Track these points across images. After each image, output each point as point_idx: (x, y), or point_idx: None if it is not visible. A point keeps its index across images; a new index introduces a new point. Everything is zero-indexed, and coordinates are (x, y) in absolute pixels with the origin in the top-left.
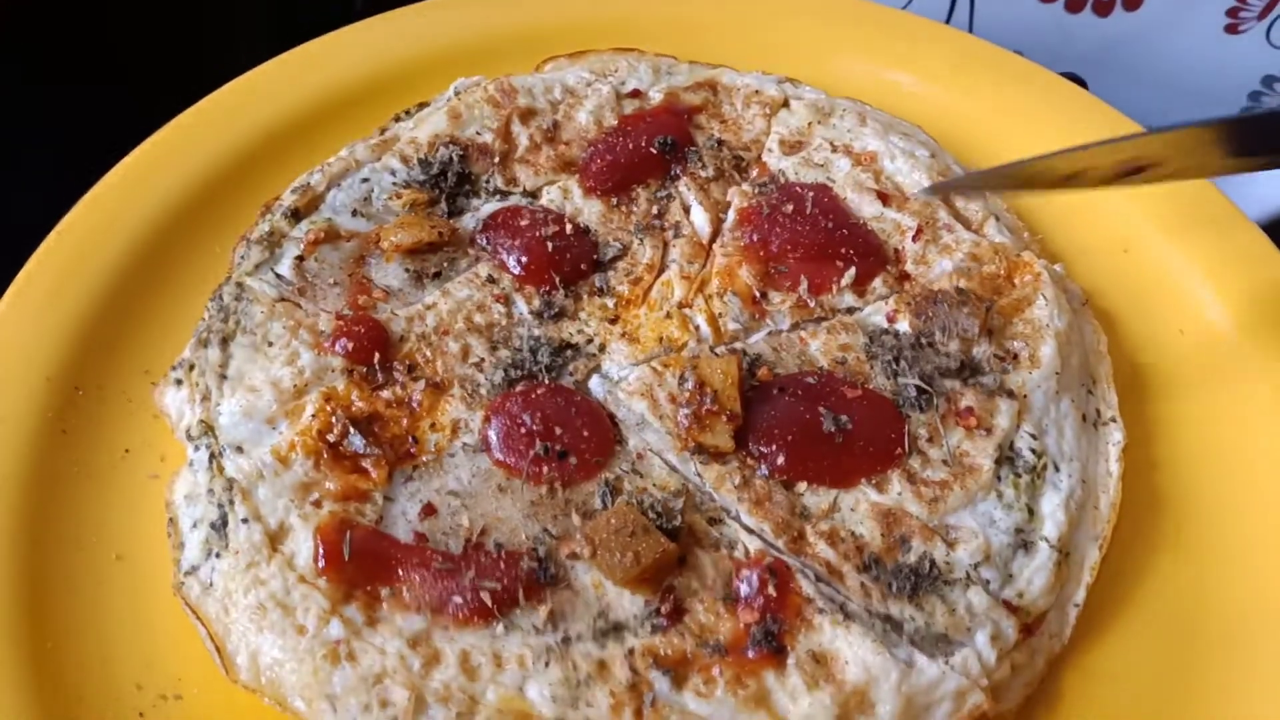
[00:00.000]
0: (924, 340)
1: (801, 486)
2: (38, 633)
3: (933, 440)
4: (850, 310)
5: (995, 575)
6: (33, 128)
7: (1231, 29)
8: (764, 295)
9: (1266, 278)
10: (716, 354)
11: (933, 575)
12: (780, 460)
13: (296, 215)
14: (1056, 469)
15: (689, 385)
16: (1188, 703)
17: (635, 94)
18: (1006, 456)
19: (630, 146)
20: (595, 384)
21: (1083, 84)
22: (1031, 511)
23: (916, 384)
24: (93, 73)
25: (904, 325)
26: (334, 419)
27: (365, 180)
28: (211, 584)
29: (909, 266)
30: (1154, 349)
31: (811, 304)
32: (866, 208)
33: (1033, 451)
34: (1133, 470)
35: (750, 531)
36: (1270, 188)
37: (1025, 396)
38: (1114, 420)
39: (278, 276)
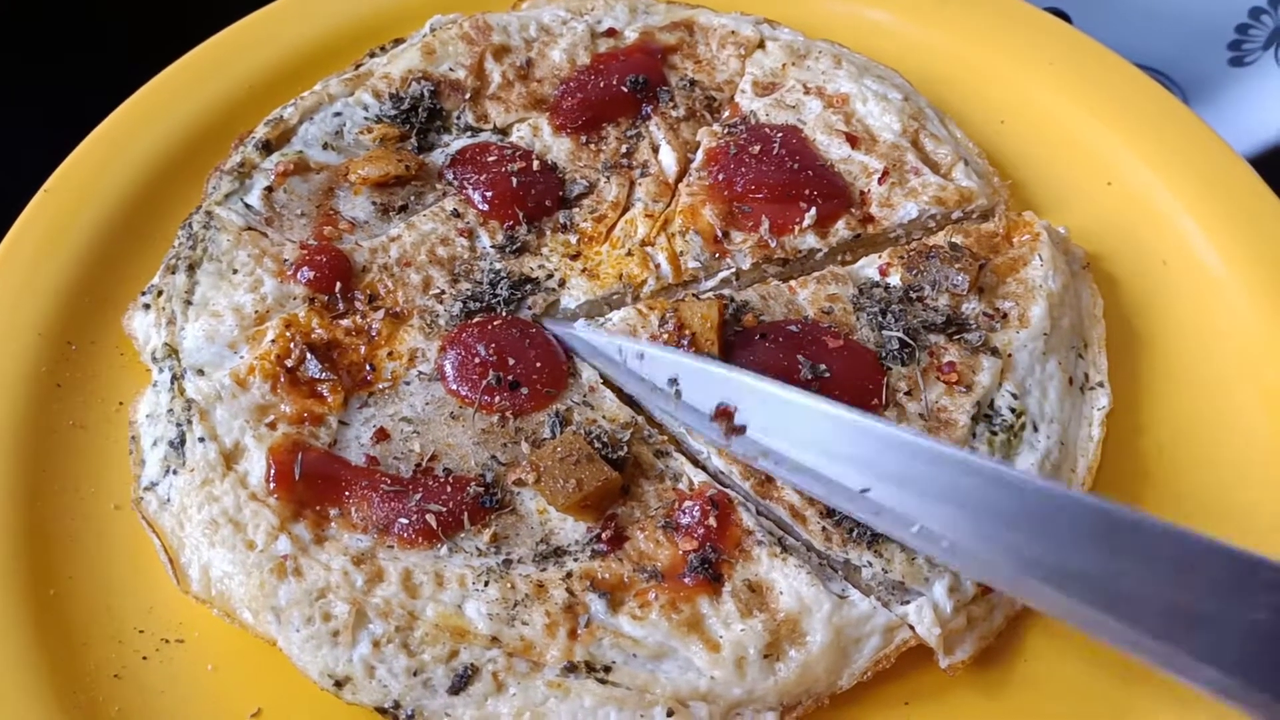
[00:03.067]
0: (913, 294)
1: None
2: (41, 581)
3: (912, 394)
4: (812, 251)
5: None
6: (20, 93)
7: None
8: (726, 235)
9: (1250, 208)
10: (701, 298)
11: None
12: None
13: (268, 147)
14: (1035, 429)
15: (669, 327)
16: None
17: (611, 33)
18: (985, 414)
19: (602, 85)
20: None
21: (1067, 19)
22: None
23: (900, 336)
24: (76, 40)
25: (895, 278)
26: (293, 345)
27: (337, 114)
28: (168, 500)
29: (874, 209)
30: (1144, 280)
31: (772, 244)
32: (835, 150)
33: (1012, 410)
34: (1117, 434)
35: (701, 467)
36: (1259, 119)
37: (1010, 355)
38: (1101, 385)
39: (246, 206)
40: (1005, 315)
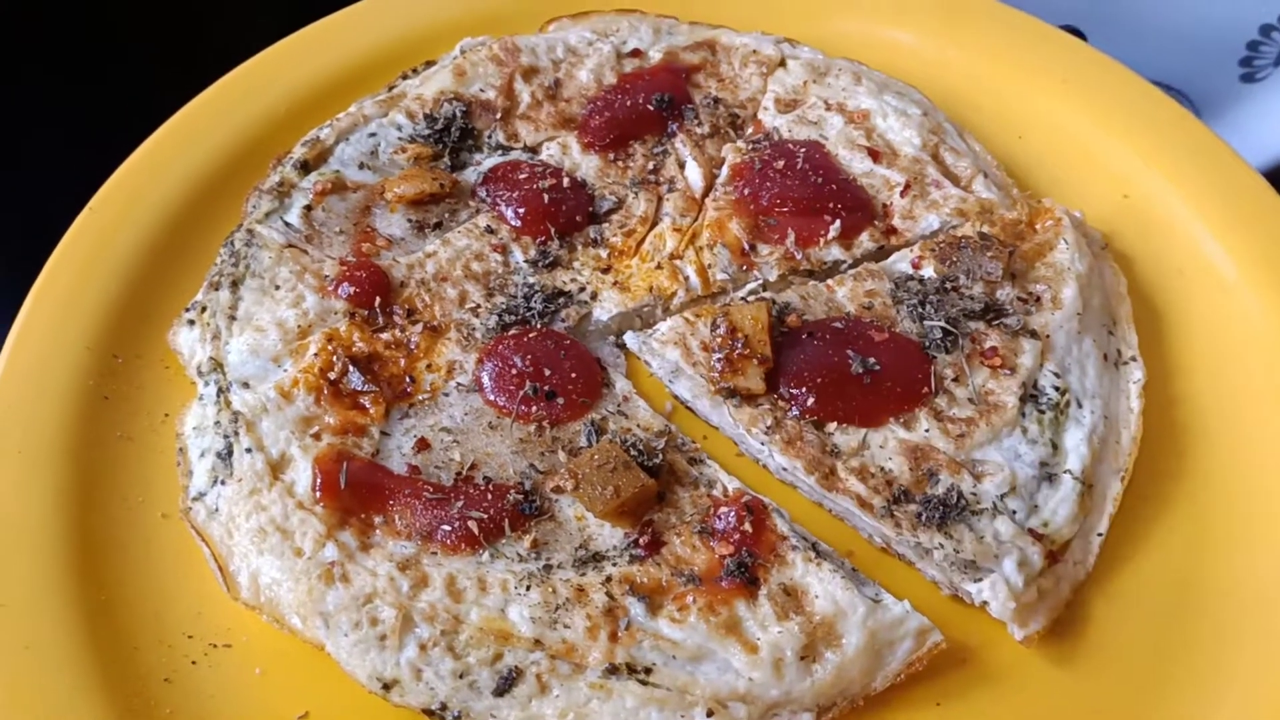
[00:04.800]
0: (949, 284)
1: (831, 426)
2: (91, 587)
3: (959, 380)
4: (837, 263)
5: (1021, 506)
6: (60, 116)
7: None
8: (753, 248)
9: (1264, 218)
10: (747, 302)
11: (960, 506)
12: (810, 401)
13: (306, 167)
14: (1080, 405)
15: (721, 331)
16: (1207, 625)
17: (636, 53)
18: (1031, 394)
19: (629, 104)
20: (630, 339)
21: (1082, 37)
22: (1055, 446)
23: (942, 326)
24: (97, 64)
25: (929, 270)
26: (335, 358)
27: (372, 135)
28: (216, 509)
29: (896, 221)
30: (1161, 289)
31: (798, 256)
32: (857, 164)
33: (1056, 389)
34: (1153, 406)
35: (737, 467)
36: (1270, 134)
37: (1048, 337)
38: (1134, 359)
39: (286, 224)
40: (1039, 299)
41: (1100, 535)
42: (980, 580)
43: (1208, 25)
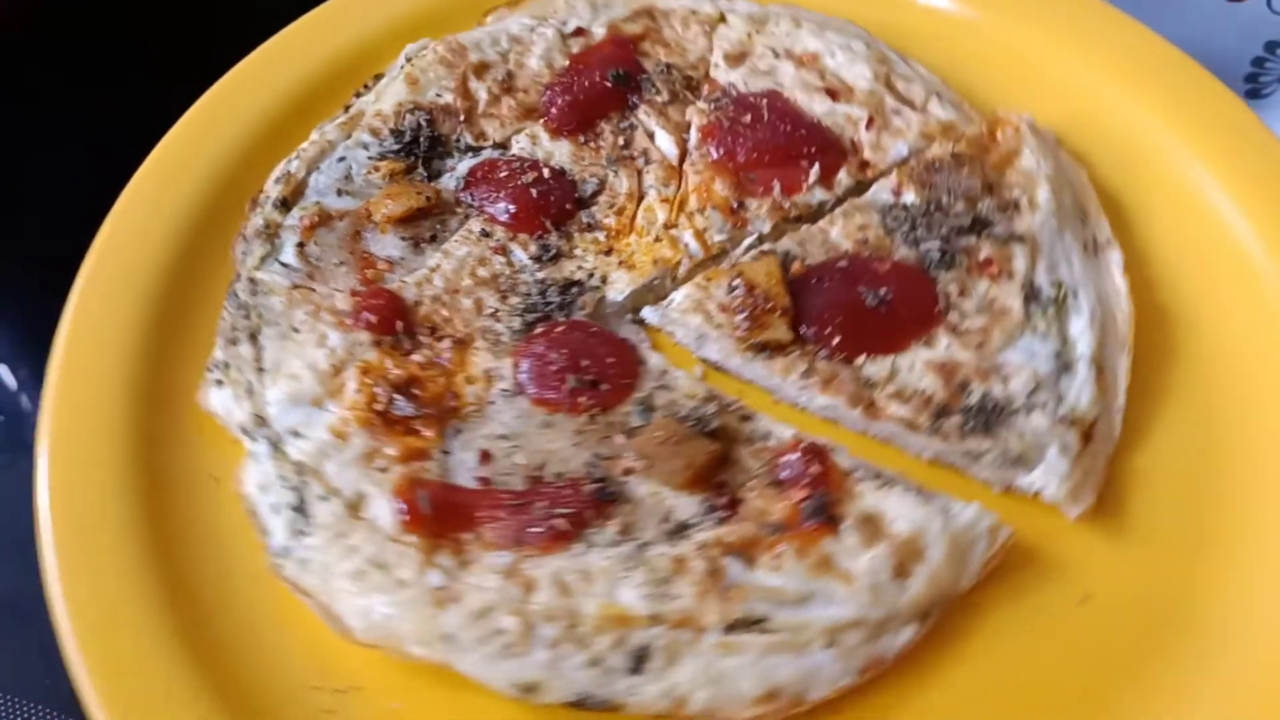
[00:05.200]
0: (932, 206)
1: (860, 360)
2: (207, 666)
3: (964, 293)
4: (822, 204)
5: (1049, 398)
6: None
7: None
8: (741, 204)
9: (1207, 100)
10: (752, 259)
11: (998, 409)
12: (836, 340)
13: (286, 204)
14: (1075, 296)
15: (739, 291)
16: (1231, 484)
17: (579, 32)
18: (1031, 295)
19: (586, 84)
20: (649, 314)
21: None
22: (1064, 337)
23: (937, 245)
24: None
25: (910, 196)
26: (377, 389)
27: (341, 159)
28: (306, 560)
29: (867, 154)
30: (1116, 180)
31: (786, 205)
32: (818, 105)
33: (1052, 285)
34: (1136, 288)
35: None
36: None
37: (1034, 238)
38: (1110, 242)
39: (284, 266)
40: (1016, 204)
41: (1120, 409)
42: (1032, 472)
43: (1212, 43)
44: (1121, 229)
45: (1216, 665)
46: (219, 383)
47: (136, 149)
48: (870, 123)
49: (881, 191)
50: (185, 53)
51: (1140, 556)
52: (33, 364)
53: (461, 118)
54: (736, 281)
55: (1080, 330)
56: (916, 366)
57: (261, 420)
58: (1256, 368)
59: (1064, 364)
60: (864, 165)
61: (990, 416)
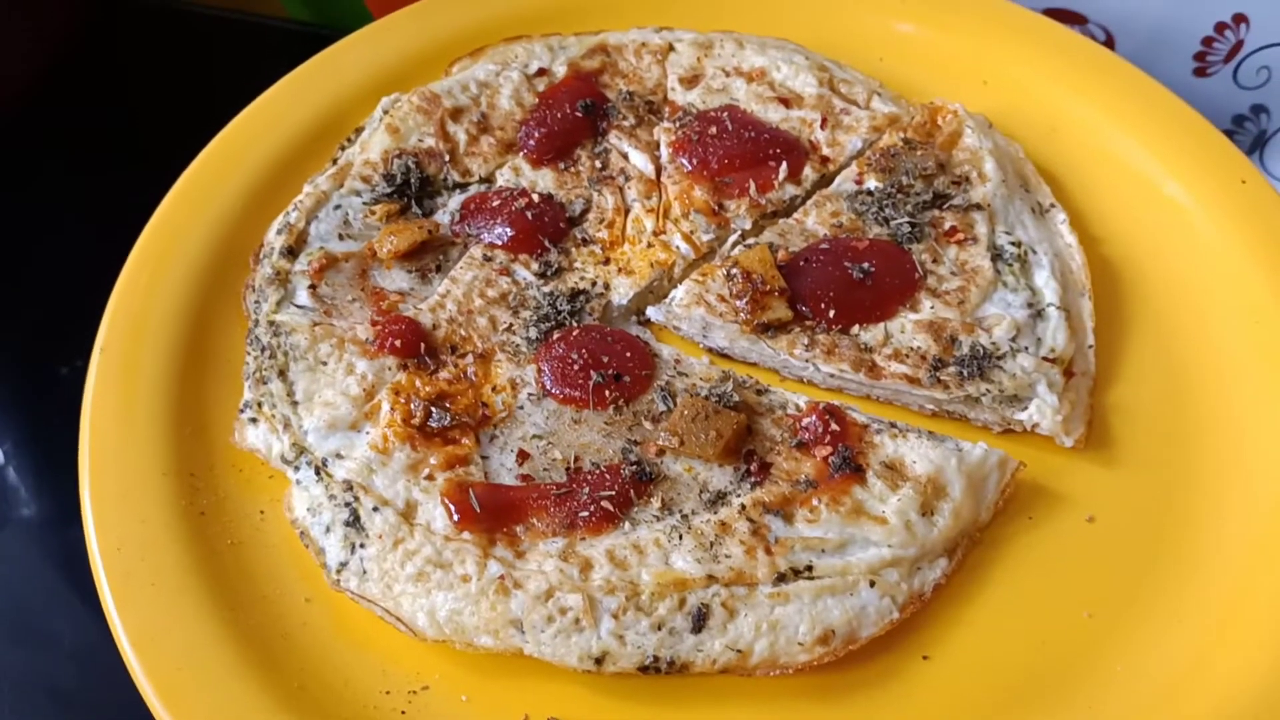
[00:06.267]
0: (894, 188)
1: (856, 329)
2: (280, 689)
3: (937, 260)
4: (794, 199)
5: (1029, 341)
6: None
7: (1200, 72)
8: (721, 206)
9: (1119, 71)
10: (742, 250)
11: (987, 355)
12: (832, 314)
13: (292, 252)
14: (1035, 252)
15: (737, 278)
16: (1192, 405)
17: (542, 73)
18: (997, 254)
19: (559, 115)
20: (653, 313)
21: None
22: (1032, 289)
23: (907, 221)
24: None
25: (872, 182)
26: (412, 406)
27: (338, 207)
28: (365, 571)
29: (825, 151)
30: (1044, 152)
31: (763, 201)
32: (773, 114)
33: (1012, 244)
34: (1082, 243)
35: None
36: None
37: (989, 205)
38: (1054, 205)
39: (300, 308)
40: (967, 178)
41: (1091, 346)
42: (1027, 408)
43: (1166, 18)
44: (1058, 195)
45: (1208, 563)
46: (254, 420)
47: (127, 228)
48: (824, 123)
49: (845, 182)
50: (179, 124)
51: (1132, 477)
52: (16, 436)
53: (446, 158)
54: (734, 271)
55: (1045, 281)
56: (907, 328)
57: (302, 449)
58: (1203, 302)
59: (1036, 311)
60: (825, 160)
61: (982, 362)
